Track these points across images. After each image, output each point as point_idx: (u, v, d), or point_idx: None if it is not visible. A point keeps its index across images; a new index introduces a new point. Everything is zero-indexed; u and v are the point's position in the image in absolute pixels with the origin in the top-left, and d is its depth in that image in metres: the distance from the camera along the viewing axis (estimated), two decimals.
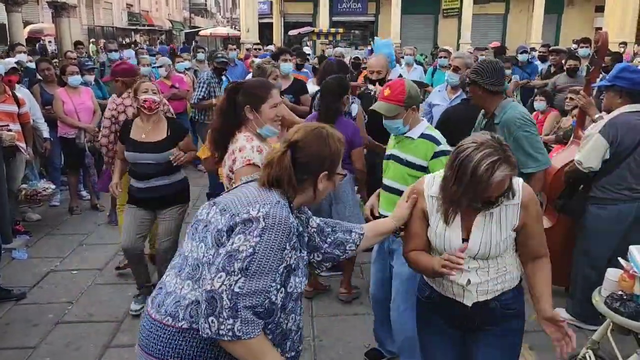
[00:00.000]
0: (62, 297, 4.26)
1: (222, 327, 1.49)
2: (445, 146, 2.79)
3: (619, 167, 3.33)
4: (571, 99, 5.70)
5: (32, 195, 5.47)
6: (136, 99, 3.80)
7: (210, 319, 1.50)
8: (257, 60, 6.52)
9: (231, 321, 1.49)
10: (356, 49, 13.60)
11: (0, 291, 4.20)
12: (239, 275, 1.52)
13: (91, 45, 15.68)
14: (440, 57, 9.57)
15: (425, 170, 2.74)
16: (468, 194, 1.84)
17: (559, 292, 4.15)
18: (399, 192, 2.70)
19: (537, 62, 9.31)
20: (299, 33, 23.32)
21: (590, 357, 3.02)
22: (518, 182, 2.00)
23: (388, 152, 3.00)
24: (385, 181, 2.94)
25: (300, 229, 1.76)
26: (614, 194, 3.36)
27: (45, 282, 4.54)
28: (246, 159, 2.57)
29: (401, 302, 2.91)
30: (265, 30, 27.35)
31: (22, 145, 5.37)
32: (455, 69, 4.63)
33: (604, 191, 3.39)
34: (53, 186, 5.88)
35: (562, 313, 3.80)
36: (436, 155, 2.77)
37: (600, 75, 5.56)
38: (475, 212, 1.97)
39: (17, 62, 6.27)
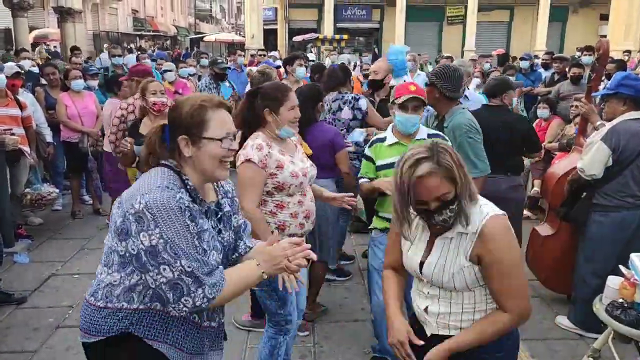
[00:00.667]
0: (63, 301, 4.27)
1: (197, 299, 1.65)
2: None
3: (622, 174, 3.32)
4: (576, 106, 5.71)
5: (36, 199, 5.49)
6: (144, 99, 3.90)
7: (183, 299, 1.65)
8: (254, 69, 6.60)
9: (200, 290, 1.65)
10: (360, 55, 13.59)
11: (1, 295, 4.21)
12: (170, 262, 1.62)
13: (104, 52, 15.76)
14: None
15: None
16: (403, 199, 1.78)
17: (562, 300, 4.14)
18: None
19: (541, 70, 9.31)
20: (304, 39, 23.41)
21: None
22: (483, 213, 1.80)
23: (386, 161, 2.98)
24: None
25: (191, 205, 1.71)
26: (617, 201, 3.35)
27: (46, 286, 4.55)
28: (245, 155, 2.67)
29: None
30: (269, 37, 27.46)
31: (26, 149, 5.39)
32: None
33: (607, 198, 3.38)
34: (57, 190, 5.90)
35: (564, 321, 3.78)
36: None
37: (603, 83, 5.56)
38: (436, 236, 1.88)
39: (18, 66, 6.29)
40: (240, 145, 2.80)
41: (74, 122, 6.06)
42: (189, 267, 1.63)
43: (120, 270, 1.74)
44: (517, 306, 1.82)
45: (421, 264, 1.91)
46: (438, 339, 1.91)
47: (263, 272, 1.79)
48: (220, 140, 1.75)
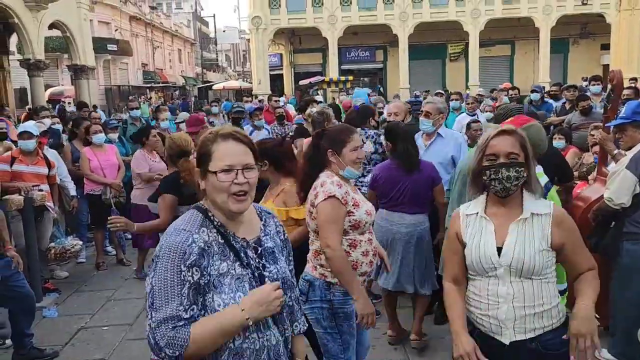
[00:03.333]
0: (95, 354, 4.26)
1: (163, 355, 1.63)
2: None
3: None
4: (591, 135, 5.76)
5: (61, 253, 5.54)
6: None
7: (154, 354, 1.66)
8: (314, 109, 6.80)
9: (163, 353, 1.62)
10: (368, 95, 13.87)
11: (34, 351, 4.20)
12: (150, 311, 1.65)
13: (143, 104, 16.26)
14: (452, 100, 9.77)
15: None
16: (478, 159, 2.10)
17: (600, 332, 4.06)
18: None
19: (550, 101, 9.40)
20: (310, 82, 23.86)
21: None
22: (547, 202, 2.15)
23: None
24: None
25: (202, 244, 1.68)
26: None
27: (76, 340, 4.55)
28: (327, 192, 2.67)
29: None
30: (276, 81, 28.03)
31: (50, 204, 5.50)
32: (427, 115, 4.58)
33: (638, 226, 3.37)
34: (80, 242, 5.95)
35: (604, 354, 3.71)
36: None
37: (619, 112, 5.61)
38: (508, 222, 2.07)
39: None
40: (303, 185, 2.88)
41: (97, 174, 6.18)
42: (152, 322, 1.63)
43: None
44: (593, 263, 2.13)
45: (499, 250, 2.05)
46: (515, 345, 2.03)
47: (247, 318, 1.66)
48: (222, 172, 1.69)
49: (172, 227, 1.75)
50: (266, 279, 1.79)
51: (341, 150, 2.77)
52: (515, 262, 2.02)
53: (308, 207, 2.79)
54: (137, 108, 8.63)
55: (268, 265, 1.83)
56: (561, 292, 2.77)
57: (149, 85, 33.17)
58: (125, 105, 9.05)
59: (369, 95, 11.75)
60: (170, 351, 1.61)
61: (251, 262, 1.78)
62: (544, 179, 2.90)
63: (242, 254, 1.76)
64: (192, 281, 1.65)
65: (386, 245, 3.78)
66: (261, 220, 1.91)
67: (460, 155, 4.37)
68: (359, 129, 4.85)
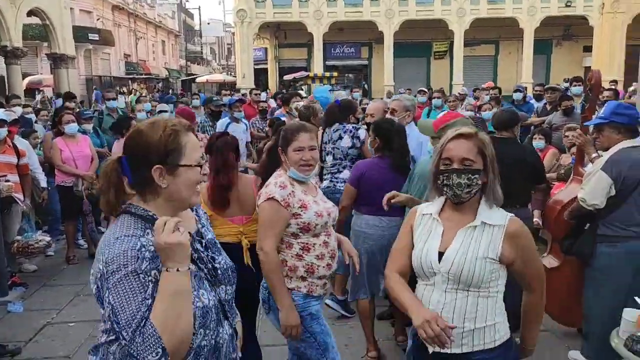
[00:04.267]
0: (59, 351, 4.13)
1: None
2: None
3: (626, 202, 3.29)
4: (566, 136, 5.77)
5: (24, 247, 5.35)
6: None
7: None
8: (300, 103, 6.70)
9: (150, 357, 1.45)
10: (351, 91, 13.82)
11: None
12: (119, 330, 1.47)
13: (132, 95, 15.94)
14: (434, 98, 9.75)
15: None
16: (435, 162, 2.01)
17: (572, 334, 4.06)
18: None
19: (533, 101, 9.43)
20: (294, 77, 23.73)
21: None
22: (505, 214, 2.02)
23: None
24: None
25: (152, 248, 1.55)
26: (623, 231, 3.30)
27: (41, 336, 4.41)
28: (268, 193, 2.57)
29: None
30: (260, 75, 27.84)
31: (19, 196, 5.32)
32: (392, 112, 4.48)
33: (612, 229, 3.34)
34: (48, 238, 5.75)
35: (577, 356, 3.69)
36: None
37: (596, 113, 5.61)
38: (458, 228, 1.98)
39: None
40: (263, 182, 2.78)
41: (69, 165, 6.02)
42: (129, 337, 1.46)
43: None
44: (542, 285, 2.08)
45: (440, 255, 1.96)
46: (454, 357, 1.94)
47: (167, 269, 1.51)
48: (199, 166, 1.64)
49: (110, 237, 1.56)
50: (218, 271, 1.73)
51: (286, 149, 2.65)
52: (454, 269, 1.92)
53: (256, 208, 2.71)
54: (114, 99, 8.45)
55: (216, 257, 1.77)
56: None
57: (131, 76, 32.68)
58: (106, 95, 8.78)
59: (330, 91, 11.03)
60: (154, 354, 1.44)
61: (202, 255, 1.71)
62: None
63: (192, 251, 1.65)
64: (154, 281, 1.51)
65: (383, 253, 3.61)
66: (192, 211, 1.82)
67: (420, 154, 4.12)
68: (335, 124, 4.83)
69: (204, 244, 1.75)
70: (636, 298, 2.71)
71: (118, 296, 1.48)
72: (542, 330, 3.95)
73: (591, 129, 4.74)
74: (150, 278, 1.51)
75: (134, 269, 1.49)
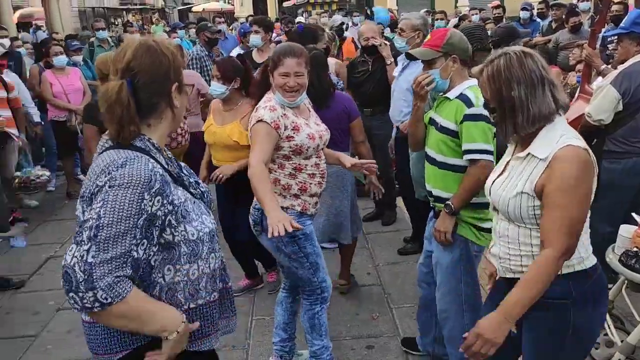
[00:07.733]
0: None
1: (85, 300, 1.36)
2: (477, 110, 2.37)
3: (633, 119, 3.16)
4: (573, 53, 5.53)
5: (25, 182, 5.35)
6: None
7: (70, 294, 1.37)
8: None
9: (91, 293, 1.35)
10: (352, 16, 13.20)
11: None
12: (89, 244, 1.37)
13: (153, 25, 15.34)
14: (437, 20, 9.36)
15: (457, 137, 2.46)
16: None
17: None
18: (436, 163, 2.55)
19: (538, 20, 9.03)
20: (294, 4, 22.85)
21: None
22: (559, 142, 1.69)
23: (428, 115, 2.69)
24: (426, 149, 2.68)
25: (161, 171, 1.51)
26: (628, 147, 3.20)
27: (44, 269, 4.47)
28: (257, 116, 2.55)
29: (444, 288, 2.66)
30: (259, 3, 26.87)
31: (13, 131, 5.22)
32: (400, 32, 4.08)
33: (617, 145, 3.23)
34: (48, 173, 5.75)
35: None
36: (465, 118, 2.41)
37: (606, 26, 5.36)
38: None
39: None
40: (255, 105, 2.74)
41: (60, 99, 5.88)
42: (92, 257, 1.36)
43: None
44: (563, 242, 1.66)
45: (493, 183, 1.89)
46: (506, 281, 1.86)
47: (166, 333, 1.50)
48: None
49: (119, 159, 1.46)
50: (204, 195, 1.73)
51: (273, 72, 2.59)
52: (495, 201, 1.87)
53: (249, 133, 2.68)
54: (103, 29, 8.13)
55: (199, 182, 1.75)
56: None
57: (125, 7, 31.64)
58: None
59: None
60: (104, 295, 1.36)
61: (191, 181, 1.70)
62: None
63: (183, 177, 1.66)
64: (149, 212, 1.43)
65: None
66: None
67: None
68: None
69: (184, 170, 1.72)
70: (634, 214, 2.65)
71: (112, 211, 1.39)
72: None
73: (598, 44, 4.52)
74: (149, 205, 1.43)
75: (142, 191, 1.42)
